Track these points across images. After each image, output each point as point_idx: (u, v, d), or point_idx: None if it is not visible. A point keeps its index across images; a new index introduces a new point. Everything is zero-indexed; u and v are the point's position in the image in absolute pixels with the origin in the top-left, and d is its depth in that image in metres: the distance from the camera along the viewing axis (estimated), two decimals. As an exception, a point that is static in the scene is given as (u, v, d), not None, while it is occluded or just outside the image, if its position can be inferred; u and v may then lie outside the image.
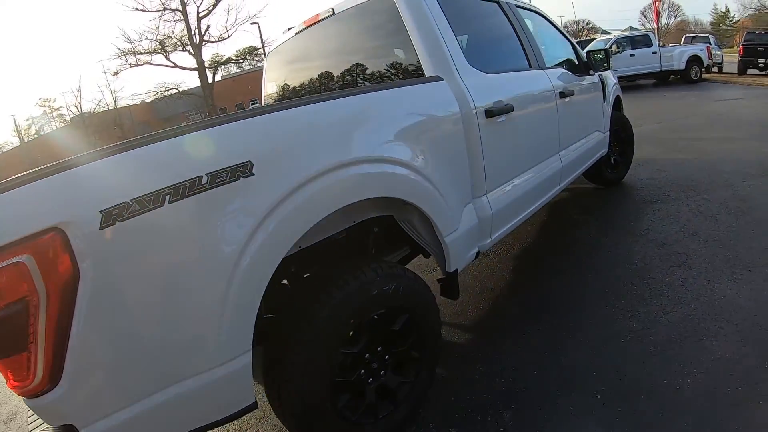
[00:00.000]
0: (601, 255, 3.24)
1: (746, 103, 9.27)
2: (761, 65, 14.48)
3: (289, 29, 3.01)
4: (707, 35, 20.45)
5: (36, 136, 41.75)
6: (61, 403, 1.14)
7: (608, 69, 3.78)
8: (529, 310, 2.69)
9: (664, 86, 13.80)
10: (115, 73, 28.80)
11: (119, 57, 26.62)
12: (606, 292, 2.73)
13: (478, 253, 2.25)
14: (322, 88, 2.73)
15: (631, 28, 38.66)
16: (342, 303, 1.53)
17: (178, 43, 27.09)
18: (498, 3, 2.90)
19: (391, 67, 2.38)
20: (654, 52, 13.79)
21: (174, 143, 1.25)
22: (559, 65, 3.40)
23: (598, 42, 15.86)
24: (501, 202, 2.34)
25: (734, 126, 6.87)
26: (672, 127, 7.32)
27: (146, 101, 29.56)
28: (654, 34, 14.90)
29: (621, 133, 4.50)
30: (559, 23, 3.77)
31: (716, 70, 17.09)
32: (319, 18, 2.66)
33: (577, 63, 3.68)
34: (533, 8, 3.51)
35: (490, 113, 2.20)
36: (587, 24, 50.91)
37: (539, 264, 3.31)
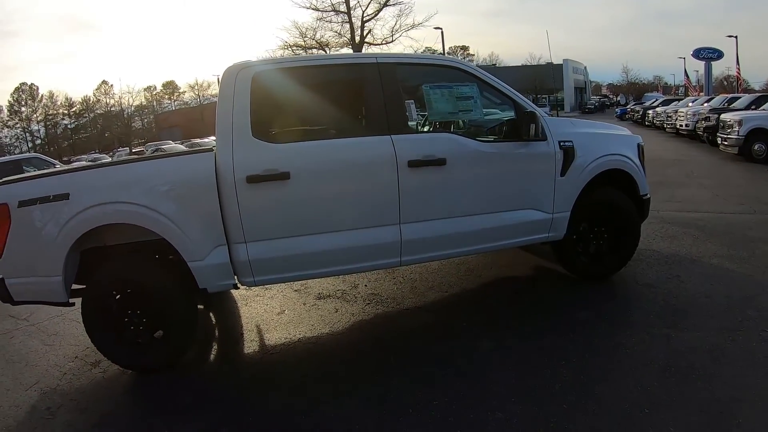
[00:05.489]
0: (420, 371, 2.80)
1: None
2: None
3: None
4: None
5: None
6: None
7: (534, 138, 3.11)
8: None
9: None
10: None
11: (286, 49, 28.90)
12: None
13: (236, 285, 2.85)
14: None
15: None
16: (106, 273, 2.82)
17: (345, 42, 28.69)
18: (361, 66, 3.06)
19: None
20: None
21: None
22: (460, 129, 3.35)
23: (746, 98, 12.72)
24: (267, 253, 2.77)
25: None
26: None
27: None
28: None
29: (613, 218, 3.63)
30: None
31: None
32: None
33: (521, 128, 3.18)
34: (455, 64, 3.42)
35: (252, 179, 2.69)
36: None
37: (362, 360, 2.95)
